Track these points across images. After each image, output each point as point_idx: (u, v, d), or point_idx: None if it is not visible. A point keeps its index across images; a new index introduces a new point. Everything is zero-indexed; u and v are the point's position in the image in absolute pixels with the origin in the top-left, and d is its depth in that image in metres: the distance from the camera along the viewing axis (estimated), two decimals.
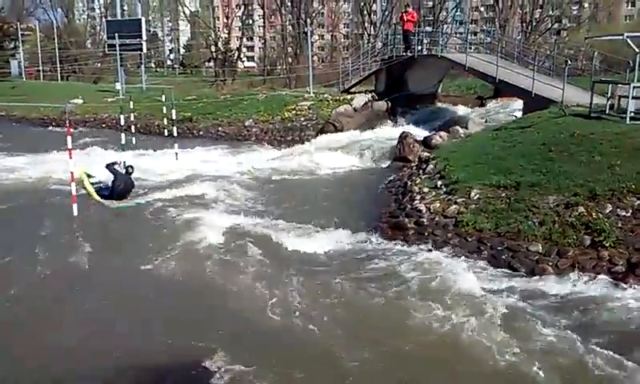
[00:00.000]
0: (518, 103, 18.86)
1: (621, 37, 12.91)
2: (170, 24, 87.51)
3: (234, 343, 6.26)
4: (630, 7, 67.33)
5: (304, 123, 22.12)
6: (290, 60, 56.11)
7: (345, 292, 7.48)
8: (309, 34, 31.57)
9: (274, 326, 6.70)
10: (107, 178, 12.28)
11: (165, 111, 20.23)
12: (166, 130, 21.03)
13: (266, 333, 6.56)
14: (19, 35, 52.24)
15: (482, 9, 68.63)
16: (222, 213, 11.36)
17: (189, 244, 9.44)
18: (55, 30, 55.13)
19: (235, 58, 61.80)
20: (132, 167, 12.66)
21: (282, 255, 8.96)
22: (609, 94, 12.95)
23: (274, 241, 9.61)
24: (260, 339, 6.43)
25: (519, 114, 16.96)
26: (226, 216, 11.08)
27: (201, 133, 23.55)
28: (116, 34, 33.33)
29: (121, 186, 12.11)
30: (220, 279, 8.11)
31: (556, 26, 57.54)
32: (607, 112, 12.73)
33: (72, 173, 11.41)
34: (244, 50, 68.52)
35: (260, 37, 72.73)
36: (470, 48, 22.45)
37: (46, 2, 66.63)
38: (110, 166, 12.28)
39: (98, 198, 11.88)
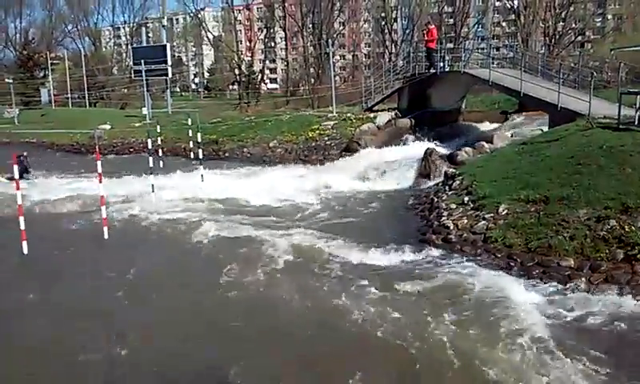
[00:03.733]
0: (544, 117, 18.69)
1: None
2: (194, 49, 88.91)
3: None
4: None
5: (328, 142, 22.19)
6: (312, 80, 56.58)
7: (381, 303, 7.46)
8: (331, 54, 31.75)
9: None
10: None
11: (190, 134, 20.52)
12: (192, 153, 21.33)
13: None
14: (49, 64, 53.61)
15: (504, 24, 68.32)
16: (254, 231, 11.43)
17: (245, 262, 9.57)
18: (83, 58, 56.53)
19: (258, 80, 62.58)
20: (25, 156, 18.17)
21: (312, 269, 9.00)
22: (637, 105, 12.75)
23: (310, 256, 9.74)
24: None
25: (545, 128, 16.79)
26: (258, 233, 11.16)
27: (226, 154, 23.76)
28: (142, 61, 34.03)
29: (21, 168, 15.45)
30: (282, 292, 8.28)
31: (579, 38, 57.08)
32: (636, 123, 12.52)
33: (102, 197, 11.61)
34: (267, 72, 69.43)
35: (282, 58, 73.53)
36: (493, 63, 22.33)
37: (74, 32, 68.62)
38: (18, 157, 14.45)
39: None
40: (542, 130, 16.68)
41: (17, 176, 10.97)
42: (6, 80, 48.64)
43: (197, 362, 6.46)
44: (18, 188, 10.77)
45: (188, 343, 6.88)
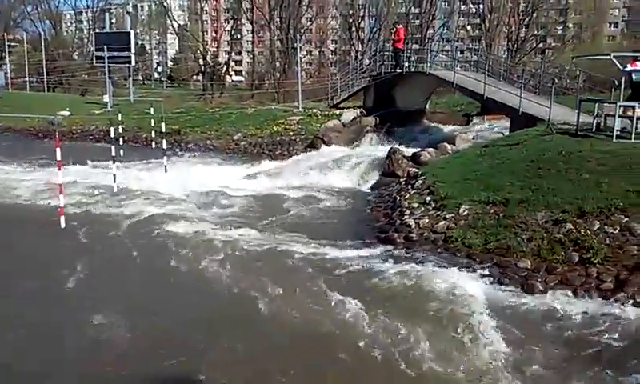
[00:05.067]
0: (505, 121, 19.06)
1: (608, 56, 13.14)
2: (158, 37, 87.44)
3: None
4: (612, 28, 68.66)
5: (293, 138, 22.16)
6: (278, 75, 56.35)
7: (335, 298, 7.49)
8: (298, 49, 31.70)
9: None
10: None
11: (153, 124, 20.19)
12: (154, 143, 21.00)
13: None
14: (6, 47, 51.95)
15: (469, 27, 69.41)
16: (209, 224, 11.34)
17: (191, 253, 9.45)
18: (43, 41, 54.89)
19: (223, 71, 62.00)
20: None
21: (270, 266, 8.96)
22: (595, 113, 13.14)
23: (266, 252, 9.70)
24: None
25: (506, 132, 17.12)
26: (215, 227, 11.08)
27: (189, 146, 23.45)
28: (104, 47, 33.25)
29: None
30: (232, 286, 8.27)
31: (541, 45, 58.43)
32: (594, 130, 12.91)
33: (60, 185, 11.33)
34: (232, 64, 68.80)
35: (248, 51, 73.04)
36: (457, 66, 22.65)
37: (33, 14, 66.51)
38: None
39: None
40: (503, 134, 17.00)
41: (59, 157, 11.05)
42: None
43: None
44: (59, 168, 10.89)
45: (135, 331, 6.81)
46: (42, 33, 61.62)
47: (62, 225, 11.05)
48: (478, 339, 6.52)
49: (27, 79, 50.56)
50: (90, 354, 6.42)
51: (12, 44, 55.76)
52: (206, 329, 7.01)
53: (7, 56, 52.25)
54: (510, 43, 52.67)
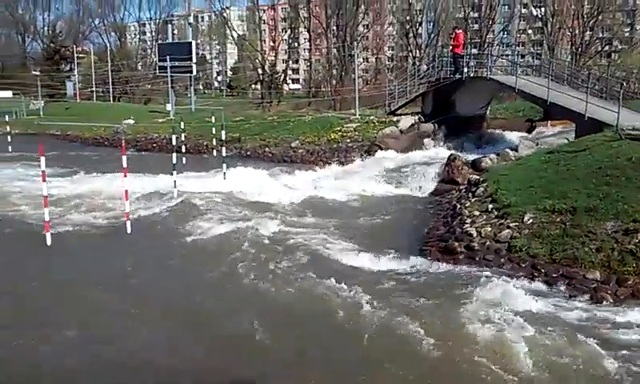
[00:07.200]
0: (570, 126, 18.47)
1: None
2: (218, 47, 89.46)
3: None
4: None
5: (350, 145, 22.15)
6: (334, 82, 56.56)
7: (396, 307, 7.38)
8: (355, 56, 31.71)
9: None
10: None
11: (214, 132, 20.60)
12: (214, 150, 21.44)
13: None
14: (75, 58, 54.39)
15: (530, 31, 67.66)
16: (267, 229, 11.42)
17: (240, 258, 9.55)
18: (108, 52, 57.19)
19: (281, 80, 62.73)
20: None
21: (333, 273, 8.89)
22: None
23: (325, 258, 9.71)
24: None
25: (572, 138, 16.57)
26: (273, 234, 11.16)
27: (248, 153, 23.82)
28: (167, 57, 34.33)
29: None
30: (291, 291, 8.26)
31: (607, 48, 56.33)
32: None
33: (126, 191, 11.69)
34: (289, 72, 69.55)
35: (305, 59, 73.63)
36: (518, 70, 22.13)
37: (100, 27, 69.57)
38: None
39: None
40: (567, 140, 16.46)
41: (43, 167, 11.02)
42: (33, 72, 49.64)
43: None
44: (44, 179, 10.87)
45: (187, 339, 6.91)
46: (108, 44, 64.36)
47: (129, 230, 11.40)
48: (549, 352, 6.28)
49: (94, 89, 52.78)
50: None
51: (80, 56, 58.29)
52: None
53: (76, 67, 54.60)
54: (573, 47, 50.97)
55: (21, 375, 6.22)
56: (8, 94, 45.08)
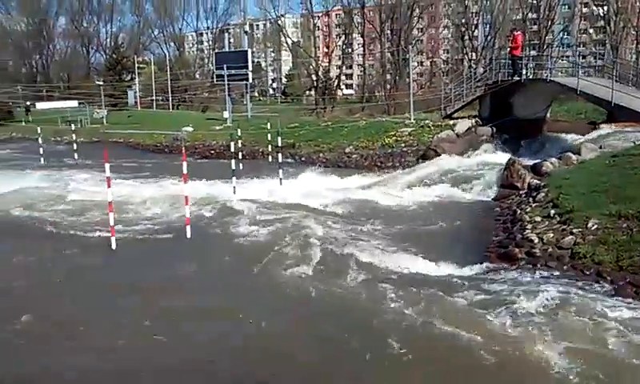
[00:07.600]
0: (636, 128, 17.73)
1: None
2: (273, 54, 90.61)
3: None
4: None
5: (404, 149, 22.01)
6: (388, 87, 56.35)
7: (452, 313, 7.27)
8: (410, 60, 31.50)
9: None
10: None
11: (270, 138, 20.86)
12: (269, 156, 21.71)
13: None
14: (136, 68, 56.33)
15: (591, 31, 65.48)
16: (327, 235, 11.44)
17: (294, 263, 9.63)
18: (168, 62, 58.92)
19: (335, 86, 62.96)
20: None
21: (389, 278, 8.86)
22: None
23: (383, 264, 9.65)
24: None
25: (638, 141, 15.89)
26: (325, 240, 11.15)
27: (303, 159, 23.99)
28: (224, 65, 35.07)
29: None
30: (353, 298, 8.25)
31: None
32: None
33: (186, 197, 11.97)
34: (343, 77, 69.70)
35: (359, 64, 73.64)
36: (580, 71, 21.43)
37: (160, 37, 71.80)
38: None
39: None
40: (634, 143, 15.80)
41: (108, 174, 11.41)
42: (97, 82, 51.72)
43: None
44: (109, 186, 11.26)
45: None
46: (167, 54, 66.28)
47: (188, 235, 11.68)
48: (617, 364, 6.05)
49: (154, 98, 54.51)
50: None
51: (141, 66, 60.39)
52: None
53: (137, 77, 56.52)
54: (639, 45, 48.99)
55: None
56: (74, 103, 47.26)
